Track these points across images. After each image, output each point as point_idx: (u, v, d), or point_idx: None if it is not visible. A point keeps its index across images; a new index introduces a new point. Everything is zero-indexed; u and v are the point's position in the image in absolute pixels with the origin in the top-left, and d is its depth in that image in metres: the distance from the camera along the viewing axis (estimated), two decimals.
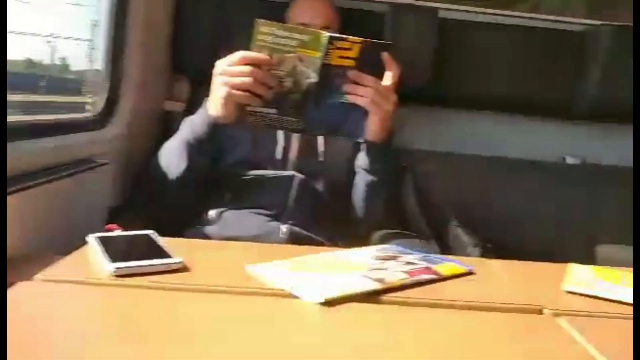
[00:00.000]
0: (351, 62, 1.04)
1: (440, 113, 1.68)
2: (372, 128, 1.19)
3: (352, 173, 1.32)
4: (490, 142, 1.68)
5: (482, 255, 1.30)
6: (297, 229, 1.26)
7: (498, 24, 1.67)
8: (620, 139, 1.72)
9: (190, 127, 1.20)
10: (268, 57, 1.03)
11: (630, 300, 0.72)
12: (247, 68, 1.05)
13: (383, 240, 1.31)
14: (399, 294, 0.70)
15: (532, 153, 1.68)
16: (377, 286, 0.69)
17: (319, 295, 0.65)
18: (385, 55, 1.08)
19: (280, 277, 0.71)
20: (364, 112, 1.14)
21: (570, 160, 1.70)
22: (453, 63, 1.59)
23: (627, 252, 1.49)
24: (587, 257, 1.54)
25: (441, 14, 1.55)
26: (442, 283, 0.74)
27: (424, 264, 0.78)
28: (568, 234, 1.57)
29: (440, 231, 1.37)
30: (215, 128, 1.17)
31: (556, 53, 1.62)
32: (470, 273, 0.79)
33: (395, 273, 0.73)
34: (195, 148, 1.20)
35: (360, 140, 1.25)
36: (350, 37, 1.03)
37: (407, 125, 1.63)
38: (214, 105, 1.13)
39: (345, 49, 1.02)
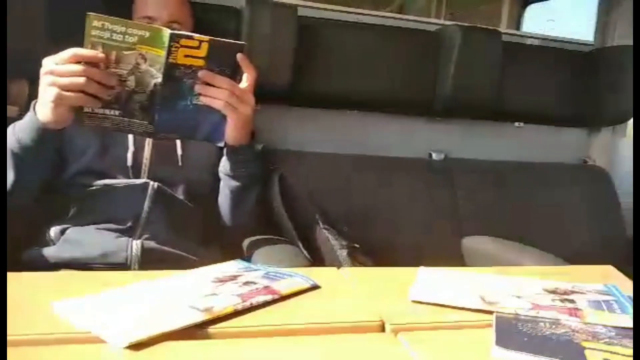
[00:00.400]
0: (200, 62, 0.95)
1: (305, 112, 1.61)
2: (231, 132, 1.09)
3: (217, 178, 1.22)
4: (357, 140, 1.65)
5: (350, 256, 1.26)
6: (152, 243, 1.13)
7: (360, 23, 1.63)
8: (480, 134, 1.77)
9: (16, 134, 1.02)
10: (103, 55, 0.91)
11: (473, 306, 0.69)
12: (78, 67, 0.91)
13: (253, 247, 1.22)
14: (229, 322, 0.60)
15: (400, 150, 1.67)
16: (202, 317, 0.58)
17: (124, 338, 0.53)
18: (240, 57, 0.99)
19: (89, 315, 0.58)
20: (221, 115, 1.05)
21: (435, 157, 1.72)
22: (316, 62, 1.52)
23: (491, 243, 1.53)
24: (455, 250, 1.56)
25: (302, 12, 1.47)
26: (282, 303, 0.66)
27: (264, 283, 0.69)
28: (436, 229, 1.58)
29: (307, 234, 1.30)
30: (46, 134, 1.00)
31: (417, 52, 1.61)
32: (315, 287, 0.71)
33: (228, 298, 0.63)
34: (22, 158, 1.02)
35: (220, 144, 1.15)
36: (197, 35, 0.94)
37: (272, 125, 1.55)
38: (43, 108, 0.97)
39: (192, 47, 0.93)
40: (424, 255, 1.49)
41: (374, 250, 1.40)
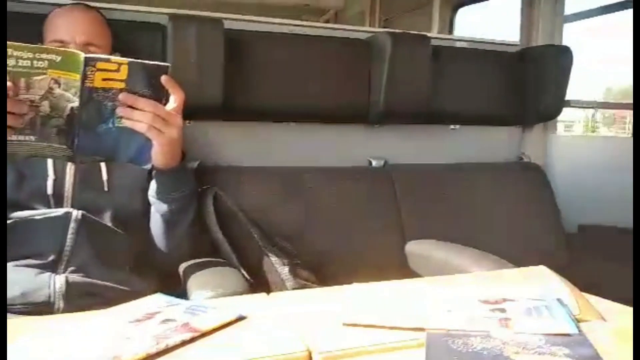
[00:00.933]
0: (121, 84, 0.92)
1: (240, 127, 1.56)
2: (157, 155, 1.04)
3: (147, 202, 1.16)
4: (295, 152, 1.61)
5: (292, 273, 1.22)
6: (77, 277, 1.06)
7: (291, 34, 1.60)
8: (417, 139, 1.77)
9: None
10: (10, 83, 0.85)
11: (406, 325, 0.66)
12: None
13: (189, 272, 1.16)
14: None
15: (340, 160, 1.65)
16: None
17: None
18: (164, 79, 0.95)
19: None
20: (146, 137, 1.00)
21: (375, 163, 1.71)
22: (248, 75, 1.47)
23: (433, 246, 1.53)
24: (399, 256, 1.55)
25: (230, 24, 1.42)
26: (202, 341, 0.61)
27: (183, 320, 0.64)
28: (380, 236, 1.56)
29: (247, 254, 1.25)
30: None
31: (350, 61, 1.60)
32: (240, 319, 0.67)
33: (141, 342, 0.58)
34: None
35: (146, 167, 1.09)
36: (115, 57, 0.92)
37: (206, 141, 1.49)
38: None
39: (110, 70, 0.90)
40: (368, 263, 1.49)
41: (318, 263, 1.37)
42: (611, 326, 0.70)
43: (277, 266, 1.21)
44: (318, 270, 1.34)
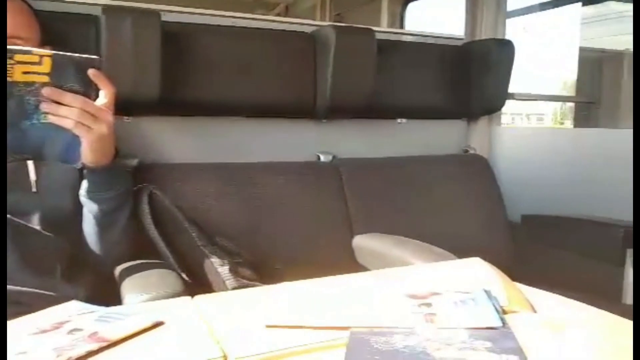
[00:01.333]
0: (44, 78, 0.87)
1: (182, 122, 1.51)
2: (86, 152, 1.00)
3: (79, 203, 1.10)
4: (241, 148, 1.57)
5: (232, 272, 1.18)
6: None
7: (233, 27, 1.56)
8: (365, 133, 1.76)
9: None
10: None
11: (330, 324, 0.63)
12: None
13: (124, 275, 1.10)
14: None
15: (288, 155, 1.61)
16: None
17: None
18: (92, 73, 0.90)
19: None
20: (75, 134, 0.95)
21: (323, 158, 1.68)
22: (189, 69, 1.42)
23: (378, 239, 1.52)
24: (347, 250, 1.53)
25: (169, 17, 1.37)
26: (111, 351, 0.56)
27: (92, 329, 0.59)
28: (328, 231, 1.54)
29: (187, 255, 1.20)
30: None
31: (295, 55, 1.57)
32: (157, 325, 0.63)
33: (38, 356, 0.53)
34: None
35: (76, 165, 1.04)
36: (36, 49, 0.87)
37: (147, 138, 1.43)
38: None
39: (31, 63, 0.85)
40: (316, 259, 1.46)
41: (263, 261, 1.34)
42: (540, 317, 0.69)
43: (217, 266, 1.16)
44: (263, 268, 1.30)
